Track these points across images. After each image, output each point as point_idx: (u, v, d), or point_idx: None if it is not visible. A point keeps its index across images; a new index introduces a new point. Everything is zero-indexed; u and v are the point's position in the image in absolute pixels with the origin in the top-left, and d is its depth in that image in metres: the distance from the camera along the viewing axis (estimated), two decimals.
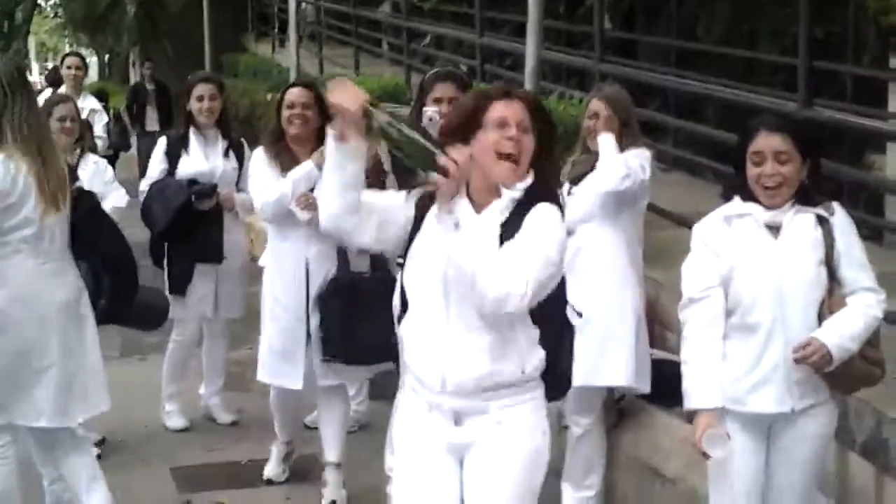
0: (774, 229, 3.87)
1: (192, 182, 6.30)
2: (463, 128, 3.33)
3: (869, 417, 4.40)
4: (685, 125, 9.50)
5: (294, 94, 5.61)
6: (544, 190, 3.37)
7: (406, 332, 3.45)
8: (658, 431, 5.27)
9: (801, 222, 3.87)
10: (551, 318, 3.42)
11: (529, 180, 3.35)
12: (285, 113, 5.58)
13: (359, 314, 5.22)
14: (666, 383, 5.60)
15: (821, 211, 3.87)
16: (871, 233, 6.57)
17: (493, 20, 12.43)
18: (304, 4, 16.11)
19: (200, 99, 6.43)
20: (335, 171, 3.26)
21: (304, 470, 5.99)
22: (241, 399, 6.91)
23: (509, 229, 3.28)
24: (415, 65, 13.35)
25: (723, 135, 8.66)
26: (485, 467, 3.36)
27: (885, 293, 3.88)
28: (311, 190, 5.30)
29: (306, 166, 5.43)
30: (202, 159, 6.38)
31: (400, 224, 3.41)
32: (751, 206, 3.89)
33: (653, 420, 5.34)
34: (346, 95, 3.17)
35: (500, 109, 3.31)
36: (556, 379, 3.51)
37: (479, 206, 3.34)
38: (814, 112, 6.49)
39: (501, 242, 3.26)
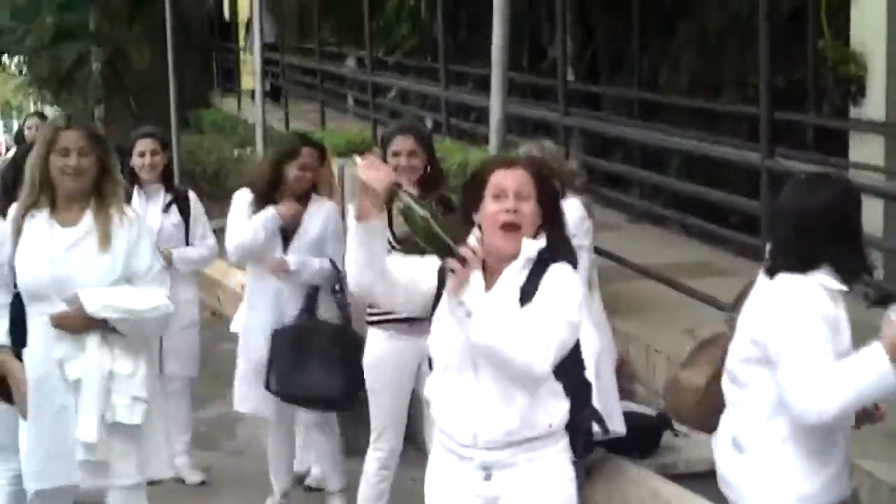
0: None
1: None
2: (472, 199, 3.42)
3: None
4: (650, 176, 9.56)
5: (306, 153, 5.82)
6: (559, 251, 3.42)
7: (434, 390, 3.52)
8: (628, 485, 5.26)
9: None
10: (572, 381, 3.46)
11: (542, 242, 3.40)
12: (295, 172, 5.74)
13: (304, 359, 5.55)
14: (636, 435, 5.63)
15: None
16: None
17: (458, 74, 12.51)
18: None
19: (142, 155, 6.45)
20: (359, 248, 3.32)
21: None
22: (210, 458, 6.84)
23: (528, 291, 3.33)
24: (380, 119, 13.40)
25: (687, 186, 8.75)
26: None
27: None
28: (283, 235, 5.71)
29: (268, 212, 5.67)
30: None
31: (424, 291, 3.48)
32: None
33: (623, 473, 5.33)
34: (376, 174, 3.23)
35: (498, 178, 3.37)
36: (580, 439, 3.53)
37: (493, 271, 3.37)
38: (775, 163, 6.55)
39: (521, 305, 3.31)
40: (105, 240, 4.33)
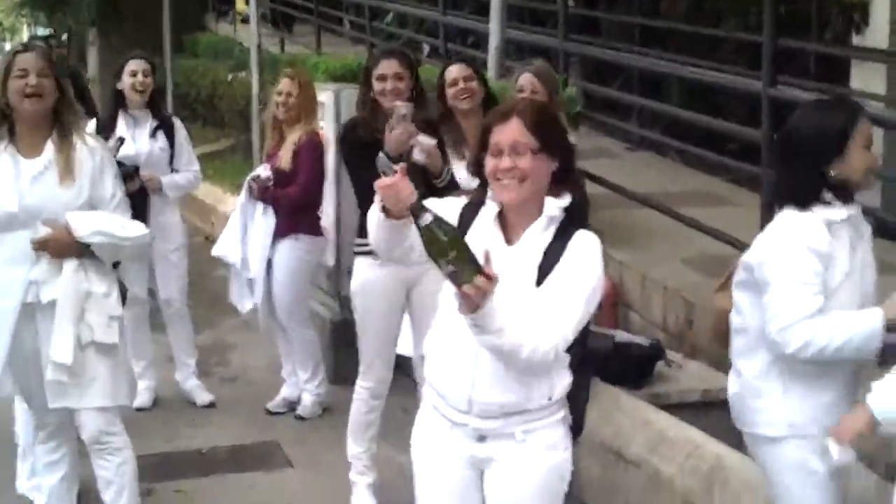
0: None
1: (118, 164, 6.21)
2: (480, 160, 3.29)
3: None
4: (649, 104, 9.46)
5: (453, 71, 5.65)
6: (582, 210, 3.32)
7: (433, 348, 3.39)
8: (621, 414, 5.24)
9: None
10: (576, 356, 3.32)
11: (565, 201, 3.25)
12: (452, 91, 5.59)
13: None
14: (629, 365, 5.60)
15: None
16: None
17: None
18: None
19: (134, 74, 6.35)
20: (381, 232, 3.26)
21: (265, 457, 5.94)
22: (204, 384, 6.81)
23: (551, 255, 3.19)
24: (377, 43, 13.24)
25: (687, 114, 8.66)
26: (506, 482, 3.31)
27: None
28: None
29: None
30: (129, 142, 6.29)
31: None
32: (852, 208, 3.52)
33: (615, 403, 5.30)
34: (394, 197, 3.09)
35: (495, 136, 3.23)
36: (578, 408, 3.44)
37: (514, 226, 3.26)
38: (778, 91, 6.46)
39: (542, 271, 3.17)
40: (68, 170, 4.29)
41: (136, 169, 6.06)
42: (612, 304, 6.70)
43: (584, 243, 3.21)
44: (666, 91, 10.25)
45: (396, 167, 3.11)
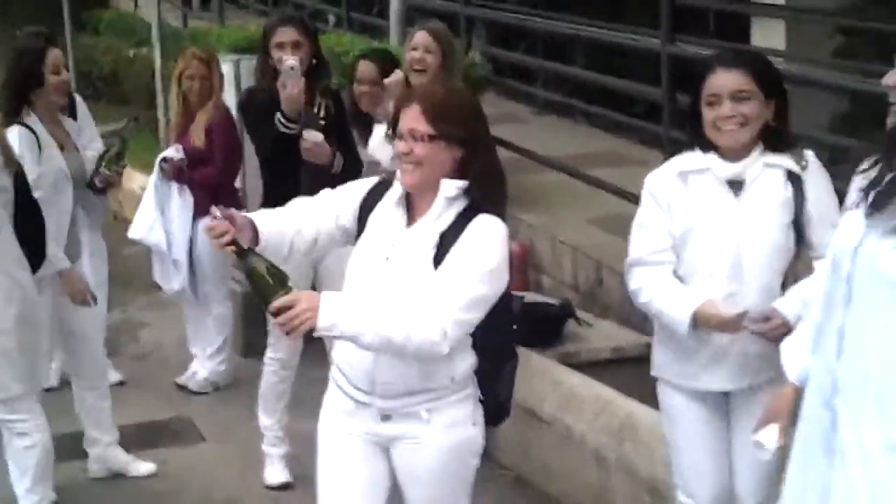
0: (737, 187, 3.47)
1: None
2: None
3: None
4: (554, 67, 9.47)
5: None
6: (487, 195, 3.20)
7: None
8: (533, 374, 5.25)
9: (768, 179, 3.45)
10: (492, 343, 3.31)
11: (462, 182, 3.18)
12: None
13: None
14: (540, 326, 5.63)
15: (791, 164, 3.45)
16: None
17: None
18: None
19: None
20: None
21: (178, 432, 5.90)
22: (113, 363, 6.70)
23: (448, 239, 3.14)
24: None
25: (590, 75, 8.69)
26: (413, 460, 3.30)
27: None
28: None
29: None
30: None
31: (349, 228, 3.35)
32: (711, 159, 3.48)
33: (527, 363, 5.30)
34: (217, 240, 3.09)
35: (401, 119, 3.21)
36: (493, 406, 3.42)
37: (418, 207, 3.23)
38: (677, 48, 6.50)
39: (438, 254, 3.13)
40: None
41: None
42: (523, 267, 6.72)
43: (483, 226, 3.15)
44: (571, 54, 10.26)
45: (218, 213, 3.12)
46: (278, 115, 4.82)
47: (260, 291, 3.02)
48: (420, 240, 3.18)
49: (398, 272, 3.14)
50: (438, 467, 3.30)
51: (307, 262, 4.98)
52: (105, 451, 5.41)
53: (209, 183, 6.21)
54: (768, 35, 8.34)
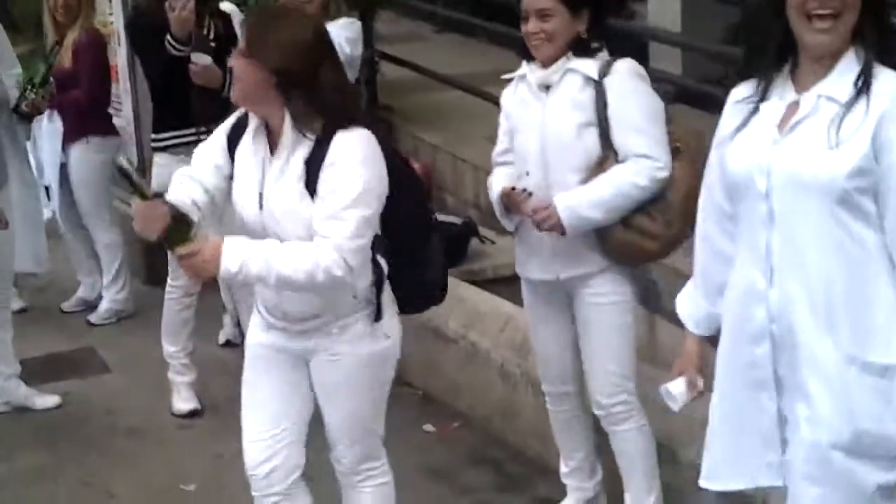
0: (546, 90, 3.70)
1: None
2: None
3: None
4: None
5: None
6: (334, 115, 3.13)
7: None
8: None
9: (568, 83, 3.66)
10: (410, 227, 3.33)
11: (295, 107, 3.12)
12: None
13: None
14: (446, 245, 5.62)
15: (590, 70, 3.63)
16: None
17: None
18: None
19: None
20: None
21: (81, 363, 5.85)
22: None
23: (314, 167, 3.09)
24: None
25: None
26: (329, 371, 3.32)
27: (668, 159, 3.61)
28: None
29: None
30: None
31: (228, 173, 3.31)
32: (529, 68, 3.74)
33: None
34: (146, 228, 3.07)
35: None
36: (423, 288, 3.45)
37: (275, 140, 3.18)
38: None
39: (309, 181, 3.09)
40: None
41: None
42: (428, 186, 6.71)
43: (343, 146, 3.09)
44: None
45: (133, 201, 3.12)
46: (168, 37, 4.72)
47: (166, 237, 3.04)
48: (284, 169, 3.14)
49: (276, 207, 3.13)
50: (353, 380, 3.32)
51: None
52: (5, 384, 5.33)
53: (78, 106, 6.07)
54: None
